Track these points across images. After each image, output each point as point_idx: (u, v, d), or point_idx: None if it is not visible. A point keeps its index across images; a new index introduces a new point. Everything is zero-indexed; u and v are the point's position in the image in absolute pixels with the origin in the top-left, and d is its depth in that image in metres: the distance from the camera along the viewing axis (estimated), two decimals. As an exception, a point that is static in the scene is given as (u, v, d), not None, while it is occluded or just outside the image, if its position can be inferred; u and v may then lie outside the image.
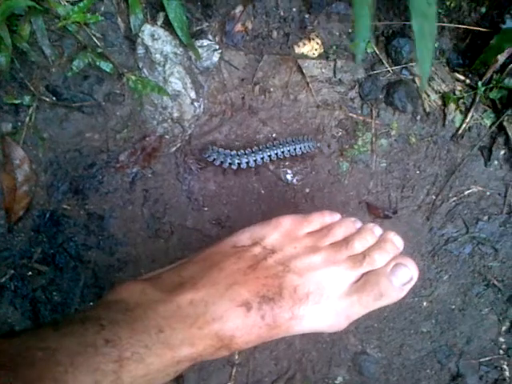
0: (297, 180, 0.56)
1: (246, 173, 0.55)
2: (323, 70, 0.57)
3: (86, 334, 0.31)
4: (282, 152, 0.53)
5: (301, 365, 0.52)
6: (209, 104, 0.56)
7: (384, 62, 0.57)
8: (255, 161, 0.53)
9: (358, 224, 0.43)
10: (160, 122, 0.56)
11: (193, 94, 0.56)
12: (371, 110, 0.57)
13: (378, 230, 0.42)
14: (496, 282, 0.54)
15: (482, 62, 0.55)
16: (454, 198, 0.56)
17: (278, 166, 0.56)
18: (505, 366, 0.54)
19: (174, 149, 0.55)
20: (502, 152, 0.56)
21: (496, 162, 0.56)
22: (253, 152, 0.53)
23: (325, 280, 0.39)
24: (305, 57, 0.56)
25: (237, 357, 0.52)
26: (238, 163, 0.52)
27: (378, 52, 0.57)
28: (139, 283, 0.38)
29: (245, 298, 0.36)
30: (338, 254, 0.40)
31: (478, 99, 0.56)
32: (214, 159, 0.52)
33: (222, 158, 0.52)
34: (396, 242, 0.41)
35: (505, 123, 0.56)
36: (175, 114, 0.56)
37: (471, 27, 0.54)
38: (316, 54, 0.56)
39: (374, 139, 0.56)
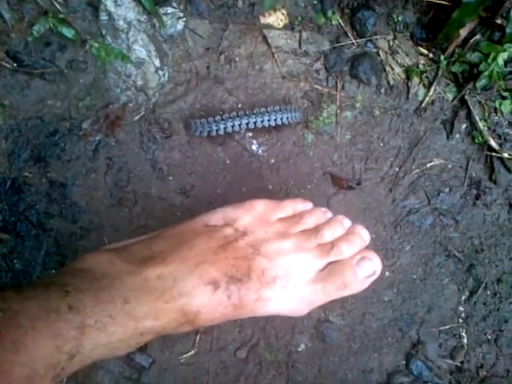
0: (262, 151, 0.56)
1: (211, 143, 0.55)
2: (288, 41, 0.57)
3: (50, 298, 0.31)
4: (268, 120, 0.52)
5: (264, 332, 0.53)
6: (173, 72, 0.55)
7: (349, 34, 0.57)
8: (240, 125, 0.52)
9: (329, 214, 0.44)
10: (124, 89, 0.55)
11: (157, 62, 0.55)
12: (336, 83, 0.57)
13: (347, 222, 0.43)
14: (456, 253, 0.55)
15: (444, 37, 0.55)
16: (417, 171, 0.56)
17: (244, 137, 0.55)
18: (463, 334, 0.55)
19: (137, 117, 0.55)
20: (464, 126, 0.57)
21: (458, 136, 0.57)
22: (238, 116, 0.52)
23: (293, 266, 0.39)
24: (270, 27, 0.56)
25: (199, 325, 0.52)
26: (224, 128, 0.52)
27: (342, 24, 0.57)
28: (108, 253, 0.38)
29: (213, 276, 0.37)
30: (308, 241, 0.41)
31: (440, 73, 0.57)
32: (201, 131, 0.51)
33: (208, 127, 0.51)
34: (363, 235, 0.42)
35: (466, 97, 0.57)
36: (139, 82, 0.55)
37: (434, 0, 0.54)
38: (281, 25, 0.56)
39: (338, 111, 0.56)
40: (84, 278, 0.35)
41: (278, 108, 0.53)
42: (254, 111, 0.53)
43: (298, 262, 0.40)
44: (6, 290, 0.32)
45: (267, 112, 0.53)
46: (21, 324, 0.29)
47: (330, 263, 0.41)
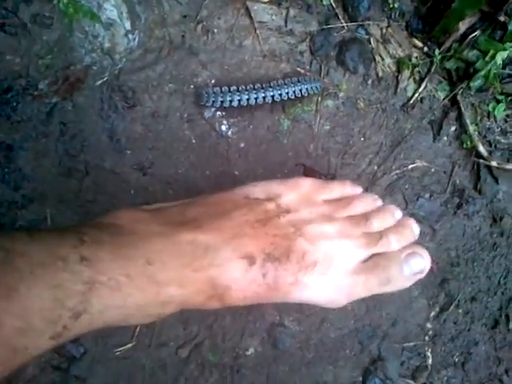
0: (232, 132, 0.51)
1: (176, 118, 0.50)
2: (274, 17, 0.52)
3: (61, 245, 0.27)
4: (287, 93, 0.49)
5: (211, 331, 0.48)
6: (144, 38, 0.50)
7: (340, 17, 0.52)
8: (256, 99, 0.48)
9: (379, 202, 0.41)
10: (89, 51, 0.50)
11: (128, 25, 0.51)
12: (320, 67, 0.52)
13: (398, 214, 0.40)
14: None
15: (441, 29, 0.51)
16: (397, 171, 0.52)
17: (214, 115, 0.51)
18: (428, 354, 0.50)
19: (100, 82, 0.50)
20: (453, 128, 0.53)
21: (445, 138, 0.53)
22: (254, 89, 0.48)
23: (335, 252, 0.36)
24: (255, 0, 0.51)
25: (142, 315, 0.47)
26: (239, 100, 0.48)
27: (334, 5, 0.52)
28: (139, 212, 0.35)
29: (249, 250, 0.34)
30: (354, 228, 0.38)
31: (433, 69, 0.53)
32: (213, 101, 0.48)
33: (221, 97, 0.47)
34: (414, 229, 0.39)
35: (458, 97, 0.52)
36: (106, 45, 0.50)
37: (434, -12, 0.50)
38: (268, -1, 0.52)
39: (319, 99, 0.52)
40: (107, 231, 0.31)
41: (296, 79, 0.49)
42: (272, 84, 0.49)
43: (342, 249, 0.36)
44: (20, 231, 0.28)
45: (285, 84, 0.49)
46: (19, 268, 0.25)
47: (375, 255, 0.37)
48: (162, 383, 0.47)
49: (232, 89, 0.48)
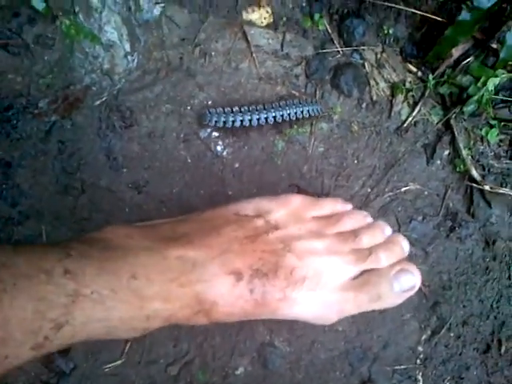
0: (227, 153, 0.52)
1: (173, 138, 0.51)
2: (270, 41, 0.53)
3: (46, 258, 0.28)
4: (289, 114, 0.50)
5: (201, 349, 0.48)
6: (143, 60, 0.52)
7: (335, 41, 0.54)
8: (258, 119, 0.49)
9: (369, 219, 0.41)
10: (88, 71, 0.52)
11: (127, 47, 0.52)
12: (315, 90, 0.53)
13: (388, 230, 0.40)
14: (422, 287, 0.51)
15: (435, 55, 0.52)
16: (390, 194, 0.52)
17: (209, 136, 0.52)
18: (419, 377, 0.50)
19: (98, 102, 0.51)
20: (446, 152, 0.53)
21: (438, 162, 0.53)
22: (257, 110, 0.49)
23: (324, 268, 0.36)
24: (252, 24, 0.53)
25: (133, 332, 0.47)
26: (241, 120, 0.49)
27: (329, 30, 0.53)
28: (128, 227, 0.36)
29: (237, 267, 0.34)
30: (344, 244, 0.38)
31: (427, 93, 0.53)
32: (216, 121, 0.49)
33: (224, 117, 0.49)
34: (404, 246, 0.40)
35: (452, 121, 0.53)
36: (106, 66, 0.52)
37: (428, 15, 0.51)
38: (265, 23, 0.53)
39: (314, 121, 0.53)
40: (95, 245, 0.32)
41: (297, 101, 0.50)
42: (273, 105, 0.50)
43: (331, 265, 0.37)
44: (3, 244, 0.29)
45: (286, 106, 0.50)
46: (2, 279, 0.26)
47: (365, 271, 0.38)
48: (151, 402, 0.47)
49: (234, 109, 0.49)
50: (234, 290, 0.34)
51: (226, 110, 0.49)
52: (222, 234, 0.36)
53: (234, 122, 0.49)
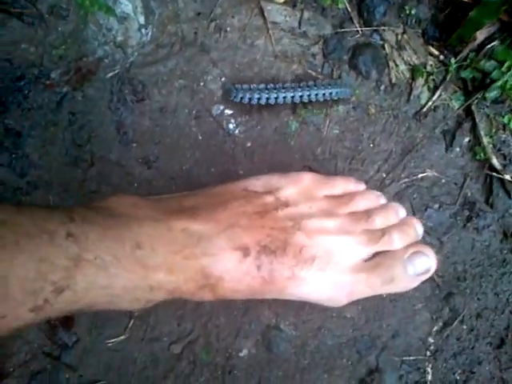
0: (239, 131, 0.51)
1: (184, 114, 0.50)
2: (287, 19, 0.52)
3: (49, 219, 0.28)
4: (316, 95, 0.48)
5: (206, 329, 0.47)
6: (157, 33, 0.51)
7: (354, 21, 0.52)
8: (284, 98, 0.48)
9: (383, 200, 0.40)
10: (102, 43, 0.51)
11: (142, 20, 0.51)
12: (332, 70, 0.52)
13: (402, 212, 0.39)
14: (435, 277, 0.49)
15: (458, 37, 0.50)
16: (406, 180, 0.51)
17: (222, 113, 0.50)
18: (428, 369, 0.48)
19: (111, 74, 0.50)
20: (467, 139, 0.51)
21: (458, 149, 0.51)
22: (283, 88, 0.48)
23: (335, 248, 0.35)
24: (270, 0, 0.51)
25: (137, 309, 0.47)
26: (267, 98, 0.48)
27: (349, 9, 0.52)
28: (135, 197, 0.35)
29: (244, 242, 0.33)
30: (356, 224, 0.37)
31: (448, 77, 0.51)
32: (242, 98, 0.47)
33: (249, 94, 0.47)
34: (418, 229, 0.39)
35: (473, 108, 0.51)
36: (119, 38, 0.51)
37: (452, -4, 0.49)
38: (282, 0, 0.51)
39: (330, 102, 0.51)
40: (100, 212, 0.31)
41: (327, 82, 0.49)
42: (301, 84, 0.48)
43: (342, 245, 0.36)
44: (5, 203, 0.28)
45: (315, 86, 0.48)
46: (3, 235, 0.25)
47: (377, 253, 0.37)
48: (152, 378, 0.46)
49: (261, 86, 0.48)
50: (240, 266, 0.33)
51: (251, 86, 0.48)
52: (229, 209, 0.35)
53: (259, 99, 0.48)
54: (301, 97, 0.48)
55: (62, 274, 0.27)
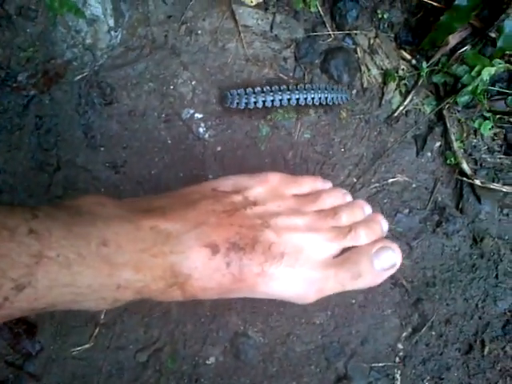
0: (209, 135, 0.50)
1: (153, 118, 0.49)
2: (259, 22, 0.51)
3: (10, 216, 0.27)
4: (312, 98, 0.48)
5: (172, 337, 0.47)
6: (127, 36, 0.50)
7: (327, 25, 0.52)
8: (281, 100, 0.48)
9: (349, 197, 0.41)
10: (70, 46, 0.50)
11: (111, 22, 0.50)
12: (304, 74, 0.51)
13: (368, 209, 0.40)
14: (405, 283, 0.49)
15: (430, 42, 0.50)
16: (376, 185, 0.50)
17: (192, 117, 0.50)
18: (397, 376, 0.48)
19: (79, 77, 0.49)
20: (438, 144, 0.51)
21: (429, 154, 0.51)
22: (280, 91, 0.48)
23: (304, 245, 0.36)
24: (241, 3, 0.51)
25: (103, 316, 0.46)
26: (263, 101, 0.47)
27: (322, 13, 0.51)
28: (102, 197, 0.35)
29: (213, 239, 0.33)
30: (323, 221, 0.38)
31: (420, 82, 0.51)
32: (237, 103, 0.47)
33: (245, 98, 0.47)
34: (383, 225, 0.40)
35: (445, 112, 0.50)
36: (88, 40, 0.50)
37: (425, 0, 0.49)
38: (254, 3, 0.51)
39: (302, 107, 0.51)
40: (65, 210, 0.31)
41: (324, 86, 0.48)
42: (298, 87, 0.48)
43: (310, 242, 0.36)
44: None
45: (312, 89, 0.48)
46: None
47: (345, 250, 0.37)
48: (116, 387, 0.46)
49: (256, 90, 0.48)
50: (209, 263, 0.33)
51: (247, 90, 0.47)
52: (198, 208, 0.35)
53: (256, 102, 0.47)
54: (297, 100, 0.48)
55: (22, 271, 0.26)
